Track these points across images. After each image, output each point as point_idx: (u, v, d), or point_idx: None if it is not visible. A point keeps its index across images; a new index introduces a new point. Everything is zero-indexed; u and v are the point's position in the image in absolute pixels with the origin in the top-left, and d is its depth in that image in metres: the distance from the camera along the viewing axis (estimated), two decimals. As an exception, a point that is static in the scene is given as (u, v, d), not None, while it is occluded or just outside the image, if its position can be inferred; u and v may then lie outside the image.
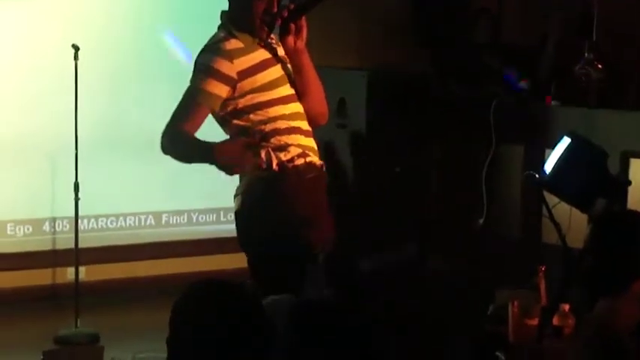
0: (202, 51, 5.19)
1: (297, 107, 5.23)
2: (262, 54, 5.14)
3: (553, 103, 7.91)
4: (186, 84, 5.14)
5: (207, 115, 5.12)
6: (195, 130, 5.10)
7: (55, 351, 3.62)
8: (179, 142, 5.10)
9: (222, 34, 5.18)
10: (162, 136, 5.09)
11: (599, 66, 7.70)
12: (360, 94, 8.47)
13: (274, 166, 5.02)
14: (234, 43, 5.09)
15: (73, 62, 7.56)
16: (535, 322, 4.46)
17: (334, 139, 8.60)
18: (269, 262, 5.11)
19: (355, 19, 8.90)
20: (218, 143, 5.03)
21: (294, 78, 5.30)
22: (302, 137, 5.20)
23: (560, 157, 6.23)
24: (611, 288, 4.02)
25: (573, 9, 8.15)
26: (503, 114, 7.87)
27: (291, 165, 5.06)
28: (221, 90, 5.04)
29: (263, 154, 5.04)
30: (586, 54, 7.75)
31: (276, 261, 5.04)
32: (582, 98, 7.71)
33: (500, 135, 7.87)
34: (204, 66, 5.08)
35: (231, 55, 5.05)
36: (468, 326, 4.83)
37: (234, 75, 5.04)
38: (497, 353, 4.35)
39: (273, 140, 5.08)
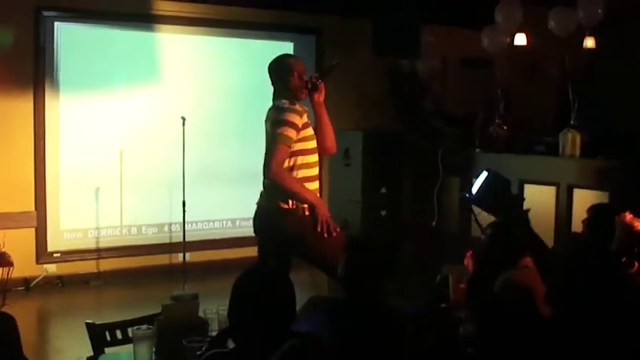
0: (279, 111, 4.90)
1: (317, 156, 5.07)
2: (306, 117, 4.97)
3: (477, 150, 7.93)
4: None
5: (288, 153, 4.87)
6: (284, 163, 4.89)
7: (170, 304, 3.65)
8: (287, 178, 4.87)
9: (286, 101, 4.94)
10: (269, 168, 4.82)
11: (505, 127, 7.75)
12: (358, 145, 8.50)
13: (290, 206, 4.90)
14: (297, 106, 4.92)
15: (182, 127, 7.61)
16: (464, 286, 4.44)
17: (342, 173, 8.64)
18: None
19: (354, 99, 8.94)
20: (320, 201, 4.96)
21: (316, 123, 5.09)
22: (316, 183, 5.05)
23: (481, 183, 6.25)
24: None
25: (492, 96, 8.16)
26: (446, 157, 7.89)
27: (301, 206, 4.92)
28: (293, 134, 4.82)
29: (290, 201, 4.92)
30: (496, 120, 7.79)
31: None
32: (494, 147, 7.74)
33: (445, 170, 7.89)
34: (284, 120, 4.83)
35: (299, 113, 4.88)
36: (423, 289, 4.80)
37: (300, 126, 4.89)
38: (443, 304, 4.32)
39: (306, 184, 4.95)
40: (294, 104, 4.95)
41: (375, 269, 3.31)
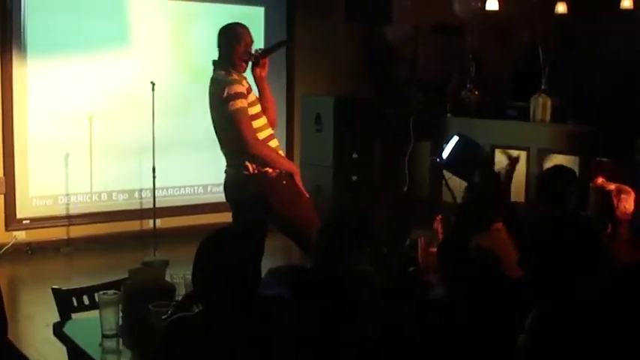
0: (220, 86, 5.03)
1: (265, 119, 5.15)
2: (245, 83, 5.09)
3: (448, 115, 7.90)
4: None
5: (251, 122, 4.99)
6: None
7: (136, 269, 3.64)
8: (266, 148, 5.04)
9: (223, 72, 5.07)
10: (249, 145, 4.95)
11: (476, 92, 7.71)
12: (329, 111, 8.46)
13: (251, 171, 5.02)
14: (234, 76, 5.02)
15: (151, 93, 7.52)
16: (434, 250, 4.41)
17: (313, 139, 8.60)
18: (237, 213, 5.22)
19: (326, 65, 8.87)
20: (296, 169, 5.19)
21: (260, 96, 5.22)
22: (275, 140, 5.18)
23: (452, 148, 6.22)
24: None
25: (464, 61, 8.10)
26: (418, 123, 7.85)
27: (263, 170, 5.02)
28: (245, 103, 4.95)
29: (250, 166, 5.02)
30: (468, 85, 7.75)
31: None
32: (466, 112, 7.71)
33: (416, 135, 7.85)
34: (232, 95, 4.93)
35: (239, 82, 5.00)
36: (393, 251, 4.77)
37: (246, 92, 5.00)
38: (411, 268, 4.30)
39: None
40: (231, 74, 5.05)
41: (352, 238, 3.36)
